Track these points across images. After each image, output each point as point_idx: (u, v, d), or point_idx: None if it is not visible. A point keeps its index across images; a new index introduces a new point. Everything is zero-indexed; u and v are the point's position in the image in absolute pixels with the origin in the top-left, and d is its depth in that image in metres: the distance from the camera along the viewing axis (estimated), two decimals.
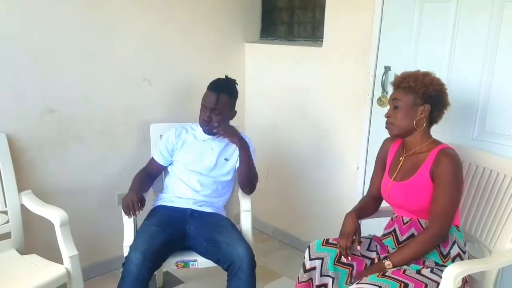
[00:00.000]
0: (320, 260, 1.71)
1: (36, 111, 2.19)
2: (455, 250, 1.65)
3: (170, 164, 2.23)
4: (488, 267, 1.65)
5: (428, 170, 1.64)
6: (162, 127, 2.37)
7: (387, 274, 1.56)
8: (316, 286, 1.71)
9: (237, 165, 2.19)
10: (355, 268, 1.71)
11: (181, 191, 2.15)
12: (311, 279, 1.73)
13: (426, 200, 1.64)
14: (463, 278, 1.58)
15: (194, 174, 2.14)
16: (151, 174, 2.23)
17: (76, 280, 1.87)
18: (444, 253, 1.64)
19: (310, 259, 1.74)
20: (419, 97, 1.65)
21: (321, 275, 1.71)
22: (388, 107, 1.77)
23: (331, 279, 1.70)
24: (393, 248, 1.73)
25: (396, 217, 1.77)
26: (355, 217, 1.76)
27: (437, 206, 1.60)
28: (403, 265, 1.61)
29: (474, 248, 1.84)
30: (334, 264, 1.70)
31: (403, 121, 1.68)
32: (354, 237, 1.71)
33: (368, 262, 1.74)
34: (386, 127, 1.74)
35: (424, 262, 1.64)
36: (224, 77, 2.18)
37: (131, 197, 1.98)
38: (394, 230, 1.75)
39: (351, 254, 1.71)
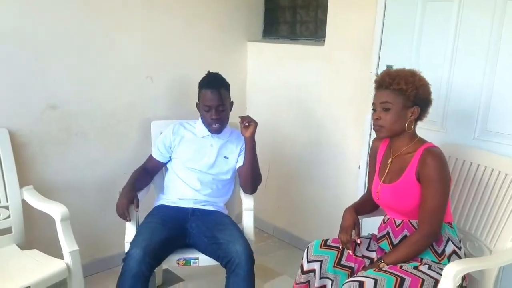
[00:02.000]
0: (319, 263, 1.71)
1: (38, 107, 2.20)
2: (450, 248, 1.65)
3: (169, 161, 2.23)
4: (488, 265, 1.64)
5: (414, 172, 1.63)
6: (163, 124, 2.37)
7: (384, 268, 1.57)
8: None
9: (238, 165, 2.18)
10: (355, 270, 1.70)
11: (182, 192, 2.15)
12: (308, 282, 1.72)
13: (415, 201, 1.65)
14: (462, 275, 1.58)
15: (194, 172, 2.14)
16: (150, 171, 2.23)
17: (76, 275, 1.87)
18: (439, 251, 1.64)
19: (308, 261, 1.73)
20: (410, 100, 1.63)
21: (320, 277, 1.70)
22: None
23: (330, 281, 1.70)
24: (388, 250, 1.73)
25: (388, 219, 1.77)
26: (353, 212, 1.78)
27: (426, 205, 1.60)
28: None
29: (474, 247, 1.84)
30: (333, 266, 1.70)
31: (394, 124, 1.65)
32: (354, 231, 1.72)
33: (368, 262, 1.73)
34: (374, 129, 1.73)
35: (421, 259, 1.64)
36: (210, 72, 2.18)
37: (122, 204, 2.00)
38: (388, 233, 1.75)
39: (353, 253, 1.72)
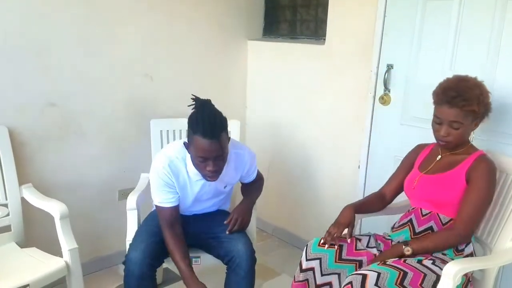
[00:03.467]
0: (318, 261, 1.70)
1: (38, 105, 2.19)
2: (469, 249, 1.69)
3: None
4: (488, 265, 1.64)
5: (465, 170, 1.67)
6: (162, 122, 2.37)
7: (387, 262, 1.57)
8: (318, 285, 1.70)
9: (244, 182, 2.11)
10: (364, 262, 1.70)
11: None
12: (307, 280, 1.72)
13: (454, 195, 1.67)
14: (466, 276, 1.59)
15: (195, 207, 2.03)
16: (175, 223, 1.87)
17: (75, 273, 1.87)
18: (459, 248, 1.67)
19: (307, 260, 1.73)
20: (478, 117, 1.69)
21: (322, 275, 1.70)
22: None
23: (336, 276, 1.70)
24: (406, 239, 1.74)
25: (414, 209, 1.79)
26: (353, 211, 1.79)
27: (468, 207, 1.62)
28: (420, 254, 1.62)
29: (474, 246, 1.83)
30: (335, 262, 1.70)
31: (461, 139, 1.71)
32: (347, 229, 1.74)
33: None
34: (440, 143, 1.74)
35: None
36: (204, 107, 1.76)
37: None
38: (411, 221, 1.77)
39: (338, 243, 1.72)
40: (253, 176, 2.09)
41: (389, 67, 2.30)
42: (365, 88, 2.42)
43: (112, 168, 2.50)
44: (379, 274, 1.49)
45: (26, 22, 2.10)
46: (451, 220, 1.70)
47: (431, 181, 1.74)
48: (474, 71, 1.98)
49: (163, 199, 1.85)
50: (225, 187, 2.00)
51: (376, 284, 1.47)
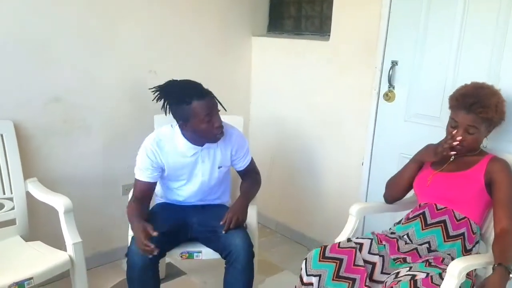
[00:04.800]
0: (318, 277, 1.67)
1: (42, 99, 2.20)
2: (476, 249, 1.70)
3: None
4: (492, 262, 1.63)
5: (482, 172, 1.70)
6: (166, 118, 2.37)
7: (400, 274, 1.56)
8: None
9: (238, 168, 2.13)
10: (358, 282, 1.66)
11: (182, 200, 2.10)
12: None
13: (470, 193, 1.71)
14: (472, 280, 1.58)
15: (190, 189, 2.07)
16: (145, 198, 1.97)
17: (79, 267, 1.88)
18: (468, 247, 1.69)
19: (307, 275, 1.69)
20: (493, 125, 1.73)
21: None
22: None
23: None
24: (417, 231, 1.74)
25: (426, 204, 1.80)
26: None
27: (505, 205, 1.64)
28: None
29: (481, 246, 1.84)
30: (332, 280, 1.66)
31: (474, 144, 1.74)
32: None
33: (369, 267, 1.68)
34: (453, 148, 1.73)
35: (442, 259, 1.64)
36: (188, 82, 1.96)
37: (138, 239, 1.76)
38: (423, 213, 1.77)
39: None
40: (246, 161, 2.10)
41: (394, 63, 2.29)
42: (370, 85, 2.41)
43: (116, 163, 2.51)
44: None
45: (29, 17, 2.10)
46: (465, 218, 1.71)
47: (447, 178, 1.76)
48: (479, 68, 1.98)
49: (141, 172, 1.95)
50: (219, 167, 2.04)
51: None
